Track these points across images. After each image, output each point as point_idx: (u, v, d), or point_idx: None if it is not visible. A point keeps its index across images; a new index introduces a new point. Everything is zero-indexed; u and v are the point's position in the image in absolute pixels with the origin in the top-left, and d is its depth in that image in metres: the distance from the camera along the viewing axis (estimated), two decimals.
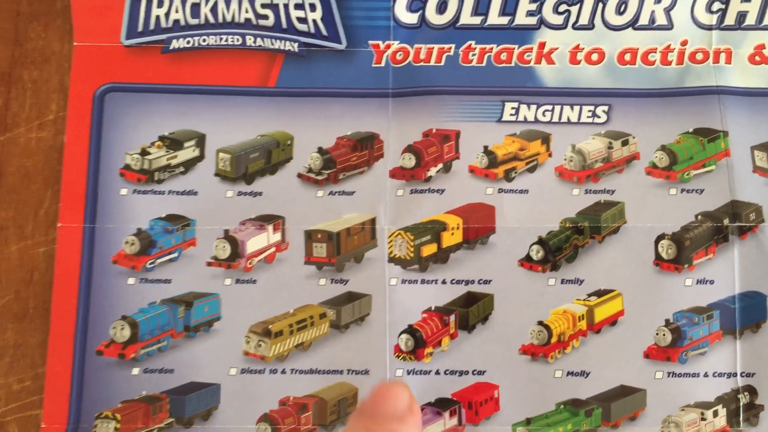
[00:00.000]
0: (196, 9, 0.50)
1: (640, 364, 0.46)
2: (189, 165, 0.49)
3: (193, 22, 0.50)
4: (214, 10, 0.50)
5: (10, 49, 0.50)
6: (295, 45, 0.50)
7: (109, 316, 0.46)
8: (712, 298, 0.47)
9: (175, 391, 0.46)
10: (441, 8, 0.50)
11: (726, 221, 0.48)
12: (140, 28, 0.50)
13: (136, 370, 0.46)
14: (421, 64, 0.50)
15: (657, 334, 0.46)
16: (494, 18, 0.50)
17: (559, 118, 0.50)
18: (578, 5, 0.50)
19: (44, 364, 0.46)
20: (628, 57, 0.50)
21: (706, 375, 0.46)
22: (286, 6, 0.50)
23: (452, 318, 0.47)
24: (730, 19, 0.50)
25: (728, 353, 0.46)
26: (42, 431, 0.45)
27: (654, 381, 0.46)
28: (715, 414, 0.45)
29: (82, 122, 0.49)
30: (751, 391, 0.46)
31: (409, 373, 0.46)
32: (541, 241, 0.47)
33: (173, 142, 0.49)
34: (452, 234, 0.48)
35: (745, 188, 0.48)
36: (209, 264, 0.48)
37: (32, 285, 0.47)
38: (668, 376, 0.46)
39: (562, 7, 0.50)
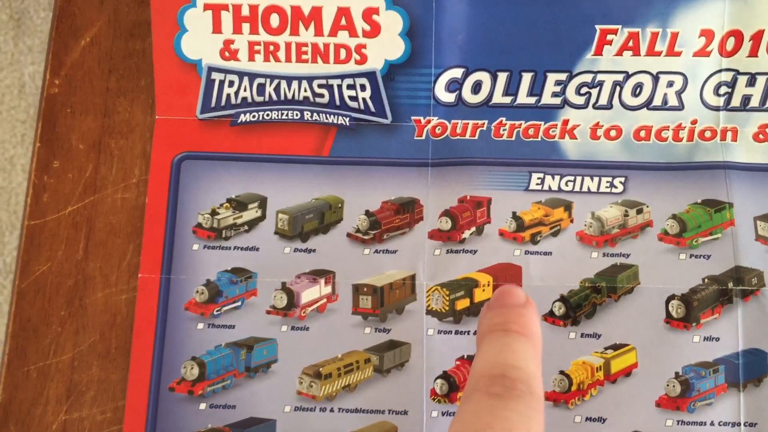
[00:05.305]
0: (261, 88, 0.57)
1: (652, 412, 0.51)
2: (252, 224, 0.56)
3: (259, 99, 0.57)
4: (277, 89, 0.57)
5: (100, 120, 0.58)
6: (347, 119, 0.57)
7: (180, 356, 0.53)
8: (718, 354, 0.52)
9: (237, 425, 0.52)
10: (476, 89, 0.57)
11: (730, 285, 0.53)
12: (213, 104, 0.57)
13: (203, 406, 0.52)
14: (458, 137, 0.56)
15: (667, 385, 0.51)
16: (523, 98, 0.57)
17: (580, 188, 0.56)
18: (598, 88, 0.56)
19: (124, 398, 0.52)
20: (643, 134, 0.56)
21: (712, 424, 0.51)
22: (339, 86, 0.57)
23: None
24: (735, 102, 0.56)
25: (732, 404, 0.51)
26: None
27: (665, 428, 0.51)
28: None
29: (162, 185, 0.56)
30: None
31: (443, 414, 0.52)
32: (563, 299, 0.53)
33: (239, 204, 0.56)
34: (483, 290, 0.54)
35: (748, 255, 0.53)
36: (268, 312, 0.54)
37: (115, 327, 0.54)
38: (678, 423, 0.51)
39: (584, 90, 0.56)
